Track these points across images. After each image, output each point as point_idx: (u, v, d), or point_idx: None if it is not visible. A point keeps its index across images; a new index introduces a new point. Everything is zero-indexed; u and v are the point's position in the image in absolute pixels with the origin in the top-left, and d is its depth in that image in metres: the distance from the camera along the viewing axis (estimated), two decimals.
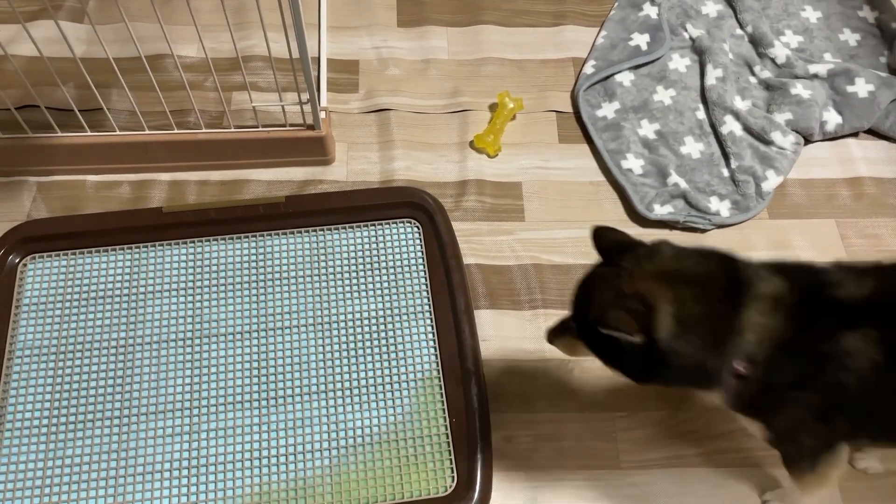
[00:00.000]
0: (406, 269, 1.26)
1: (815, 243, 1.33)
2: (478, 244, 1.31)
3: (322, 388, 1.15)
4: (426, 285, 1.24)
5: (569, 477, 1.11)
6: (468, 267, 1.29)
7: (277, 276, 1.24)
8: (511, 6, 1.60)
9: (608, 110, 1.45)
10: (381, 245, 1.28)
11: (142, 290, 1.22)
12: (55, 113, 1.29)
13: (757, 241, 1.33)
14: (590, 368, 1.20)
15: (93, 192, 1.34)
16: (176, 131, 1.30)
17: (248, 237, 1.27)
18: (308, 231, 1.29)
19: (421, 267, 1.26)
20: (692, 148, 1.42)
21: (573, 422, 1.16)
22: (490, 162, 1.41)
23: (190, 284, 1.23)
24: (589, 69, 1.49)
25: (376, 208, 1.31)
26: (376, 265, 1.26)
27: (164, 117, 1.30)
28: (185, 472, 1.08)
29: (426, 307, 1.22)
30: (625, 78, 1.49)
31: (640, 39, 1.53)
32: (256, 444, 1.10)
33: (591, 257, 1.29)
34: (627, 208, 1.36)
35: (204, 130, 1.31)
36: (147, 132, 1.29)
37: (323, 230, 1.29)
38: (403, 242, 1.29)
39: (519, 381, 1.19)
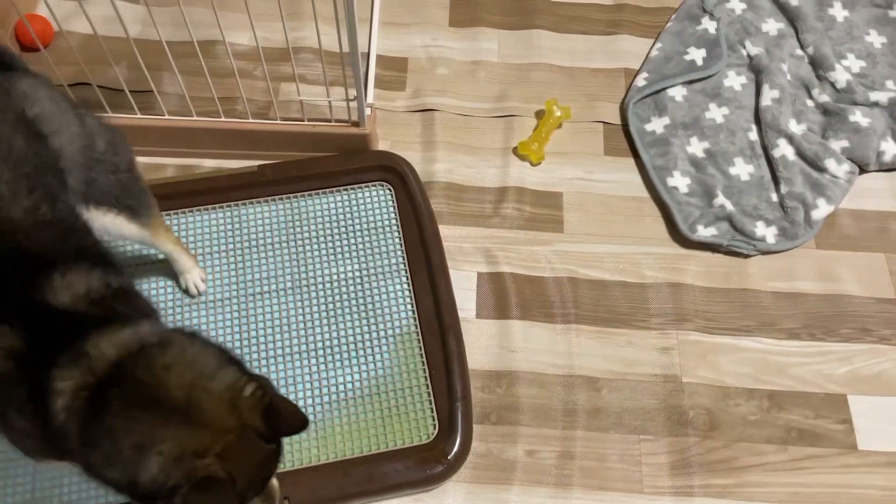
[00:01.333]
0: (380, 230, 1.29)
1: (863, 277, 1.29)
2: (514, 252, 1.30)
3: (304, 348, 1.18)
4: (400, 245, 1.28)
5: (589, 497, 1.10)
6: (501, 275, 1.27)
7: (255, 243, 1.27)
8: (565, 12, 1.58)
9: (657, 125, 1.42)
10: (356, 208, 1.32)
11: (121, 261, 1.24)
12: (106, 92, 1.30)
13: (802, 271, 1.29)
14: (619, 388, 1.18)
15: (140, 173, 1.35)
16: (223, 119, 1.31)
17: (223, 207, 1.31)
18: (283, 198, 1.32)
19: (395, 227, 1.29)
20: (741, 169, 1.38)
21: (598, 441, 1.14)
22: (532, 170, 1.39)
23: None
24: (641, 81, 1.46)
25: (349, 173, 1.34)
26: (351, 228, 1.30)
27: (213, 104, 1.31)
28: None
29: (402, 266, 1.26)
30: (677, 93, 1.46)
31: (697, 54, 1.49)
32: None
33: (630, 275, 1.28)
34: (670, 227, 1.33)
35: (251, 120, 1.31)
36: (195, 118, 1.30)
37: (297, 197, 1.32)
38: (377, 205, 1.32)
39: (545, 396, 1.17)
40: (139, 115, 1.29)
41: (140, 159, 1.36)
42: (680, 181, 1.36)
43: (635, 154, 1.41)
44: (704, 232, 1.30)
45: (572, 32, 1.55)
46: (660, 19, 1.58)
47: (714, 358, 1.22)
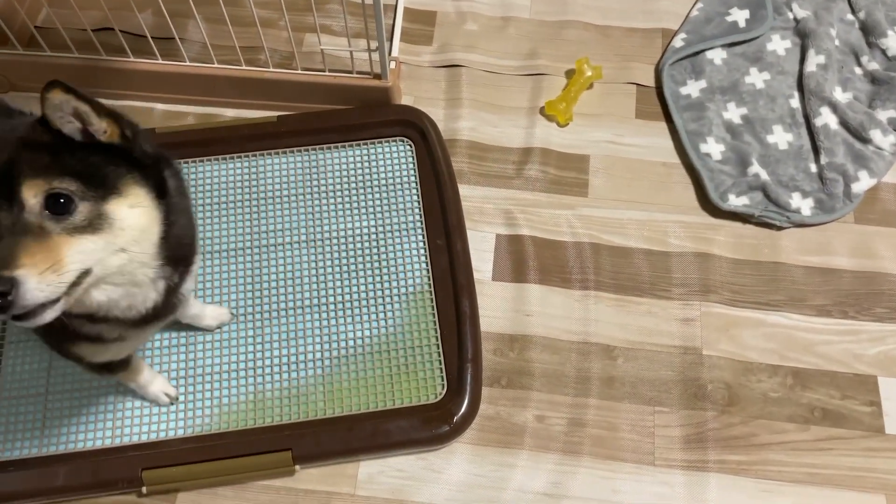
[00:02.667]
0: (398, 186, 1.26)
1: None
2: (534, 215, 1.26)
3: (315, 302, 1.17)
4: (418, 202, 1.25)
5: (598, 466, 1.07)
6: (520, 238, 1.24)
7: (271, 195, 1.25)
8: None
9: (693, 88, 1.36)
10: (374, 163, 1.28)
11: None
12: (130, 38, 1.29)
13: (837, 246, 1.23)
14: (635, 358, 1.15)
15: (160, 120, 1.35)
16: (244, 68, 1.28)
17: (241, 157, 1.28)
18: (301, 150, 1.29)
19: (413, 184, 1.26)
20: (780, 138, 1.31)
21: (610, 411, 1.11)
22: (559, 131, 1.34)
23: None
24: (678, 42, 1.40)
25: (369, 127, 1.31)
26: (369, 183, 1.27)
27: (234, 53, 1.29)
28: (182, 381, 1.11)
29: (418, 224, 1.23)
30: (716, 55, 1.39)
31: (739, 15, 1.42)
32: (251, 354, 1.13)
33: (655, 243, 1.23)
34: (700, 195, 1.28)
35: (271, 70, 1.29)
36: (216, 66, 1.28)
37: (315, 149, 1.29)
38: (396, 160, 1.29)
39: (558, 362, 1.14)
40: (161, 61, 1.28)
41: (160, 106, 1.36)
42: (713, 147, 1.30)
43: (668, 118, 1.35)
44: (736, 201, 1.25)
45: None
46: None
47: (738, 332, 1.17)
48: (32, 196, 0.64)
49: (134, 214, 0.69)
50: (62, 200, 0.64)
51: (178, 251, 0.77)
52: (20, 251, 0.62)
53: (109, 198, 0.67)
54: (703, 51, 1.39)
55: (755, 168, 1.27)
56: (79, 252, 0.65)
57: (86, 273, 0.67)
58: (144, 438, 1.07)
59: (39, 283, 0.62)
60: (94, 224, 0.66)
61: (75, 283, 0.66)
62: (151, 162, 0.73)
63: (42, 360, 1.12)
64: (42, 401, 1.09)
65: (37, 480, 1.03)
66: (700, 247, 1.23)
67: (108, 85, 1.32)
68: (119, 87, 1.33)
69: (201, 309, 1.11)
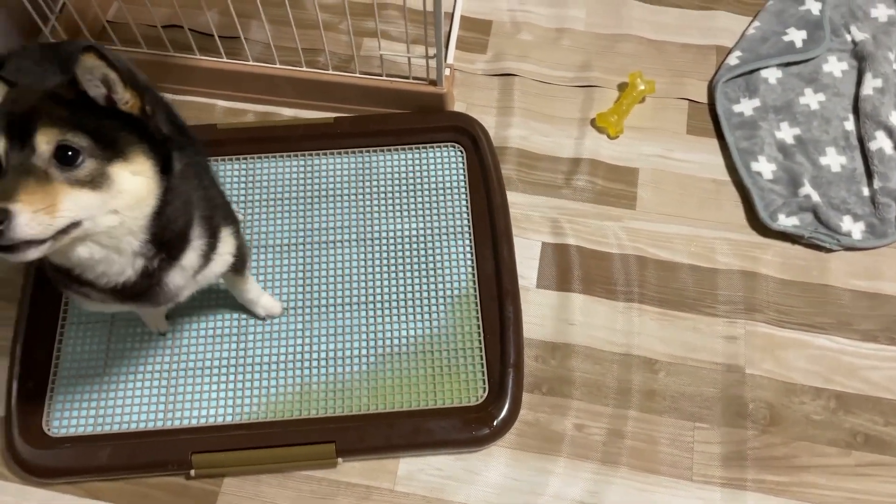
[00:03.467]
0: (448, 191, 1.29)
1: None
2: (581, 225, 1.27)
3: (363, 299, 1.20)
4: (467, 207, 1.27)
5: (635, 477, 1.08)
6: (566, 247, 1.25)
7: (324, 193, 1.29)
8: None
9: (746, 106, 1.36)
10: (426, 167, 1.31)
11: None
12: (196, 36, 1.34)
13: (888, 272, 1.22)
14: (677, 372, 1.15)
15: (221, 117, 1.39)
16: (304, 69, 1.32)
17: (297, 155, 1.32)
18: (355, 151, 1.32)
19: (463, 190, 1.29)
20: (833, 160, 1.31)
21: (650, 424, 1.11)
22: (609, 143, 1.35)
23: (241, 198, 1.28)
24: (733, 60, 1.40)
25: (422, 131, 1.34)
26: (419, 186, 1.29)
27: (295, 54, 1.33)
28: (231, 370, 1.15)
29: (466, 228, 1.25)
30: (771, 75, 1.39)
31: (796, 35, 1.41)
32: (300, 347, 1.16)
33: (702, 259, 1.23)
34: (749, 213, 1.28)
35: (330, 72, 1.32)
36: (277, 66, 1.32)
37: (369, 151, 1.33)
38: (447, 165, 1.31)
39: (600, 372, 1.15)
40: (225, 60, 1.32)
41: (222, 103, 1.40)
42: (765, 167, 1.30)
43: (719, 135, 1.35)
44: (786, 221, 1.24)
45: (665, 5, 1.49)
46: None
47: (782, 352, 1.16)
48: (45, 143, 0.68)
49: (135, 182, 0.73)
50: (70, 153, 0.68)
51: (165, 233, 0.79)
52: (21, 188, 0.65)
53: (115, 160, 0.71)
54: (758, 69, 1.39)
55: (806, 189, 1.26)
56: (74, 202, 0.68)
57: (76, 224, 0.70)
58: (195, 423, 1.11)
59: (31, 220, 0.65)
60: (96, 181, 0.70)
61: (64, 231, 0.69)
62: (162, 139, 0.76)
63: (101, 342, 1.16)
64: (98, 381, 1.14)
65: (90, 457, 1.07)
66: (747, 265, 1.23)
67: (174, 80, 1.37)
68: (184, 83, 1.37)
69: (258, 296, 1.15)
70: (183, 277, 0.85)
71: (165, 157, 0.76)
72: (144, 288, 0.82)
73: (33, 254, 0.67)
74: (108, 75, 0.71)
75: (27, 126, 0.68)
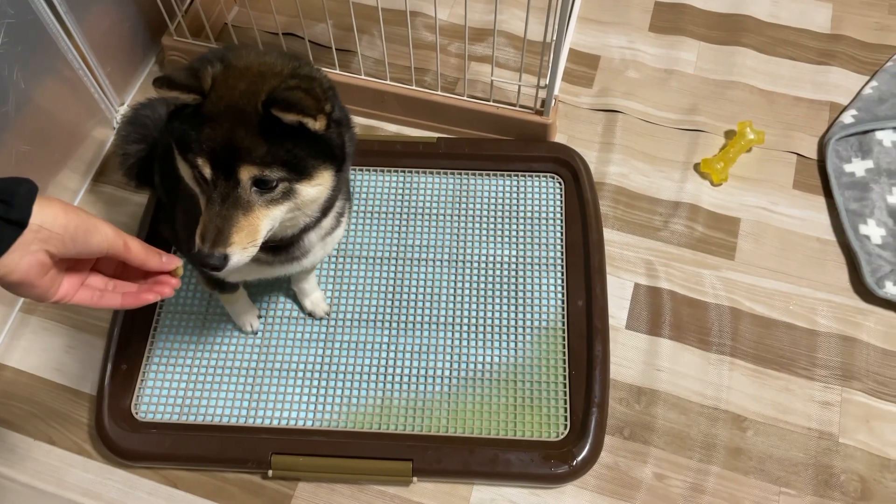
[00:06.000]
0: (544, 221, 1.29)
1: None
2: (676, 270, 1.25)
3: (449, 321, 1.20)
4: (562, 240, 1.26)
5: None
6: (660, 290, 1.23)
7: (421, 211, 1.30)
8: (776, 34, 1.50)
9: (858, 167, 1.32)
10: (523, 195, 1.31)
11: None
12: (312, 46, 1.37)
13: None
14: (766, 433, 1.11)
15: None
16: (413, 87, 1.34)
17: (398, 171, 1.34)
18: (454, 173, 1.34)
19: (559, 221, 1.28)
20: None
21: (734, 482, 1.08)
22: (711, 189, 1.33)
23: None
24: (848, 118, 1.36)
25: (523, 160, 1.34)
26: (515, 214, 1.30)
27: (405, 72, 1.35)
28: (315, 375, 1.16)
29: (559, 261, 1.25)
30: (886, 137, 1.34)
31: None
32: (384, 361, 1.17)
33: (800, 318, 1.20)
34: (854, 277, 1.23)
35: (439, 93, 1.34)
36: (388, 82, 1.35)
37: (468, 174, 1.34)
38: (545, 196, 1.31)
39: (685, 423, 1.12)
40: (338, 71, 1.35)
41: None
42: (874, 230, 1.26)
43: (828, 194, 1.31)
44: (893, 289, 1.20)
45: (780, 56, 1.47)
46: (879, 56, 1.46)
47: (879, 424, 1.12)
48: (247, 178, 0.75)
49: (315, 190, 0.80)
50: (266, 181, 0.75)
51: (326, 209, 0.88)
52: (233, 229, 0.75)
53: (302, 179, 0.78)
54: (872, 130, 1.35)
55: None
56: (270, 220, 0.78)
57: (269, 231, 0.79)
58: (276, 423, 1.12)
59: (241, 256, 0.76)
60: (285, 196, 0.77)
61: None
62: (341, 148, 0.81)
63: (193, 332, 1.19)
64: (188, 372, 1.16)
65: (173, 445, 1.10)
66: (848, 330, 1.19)
67: None
68: None
69: (312, 289, 1.19)
70: (318, 236, 0.92)
71: (341, 161, 0.81)
72: (292, 246, 0.91)
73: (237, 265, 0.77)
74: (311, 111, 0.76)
75: (231, 162, 0.74)
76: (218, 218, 0.75)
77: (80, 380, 1.17)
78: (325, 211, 0.88)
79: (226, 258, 0.75)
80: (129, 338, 1.18)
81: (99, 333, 1.20)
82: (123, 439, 1.10)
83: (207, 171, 0.75)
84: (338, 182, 0.83)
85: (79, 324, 1.22)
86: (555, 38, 1.15)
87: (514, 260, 1.25)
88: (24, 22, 1.13)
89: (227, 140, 0.74)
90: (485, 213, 1.30)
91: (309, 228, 0.89)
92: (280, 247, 0.90)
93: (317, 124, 0.75)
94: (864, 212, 1.27)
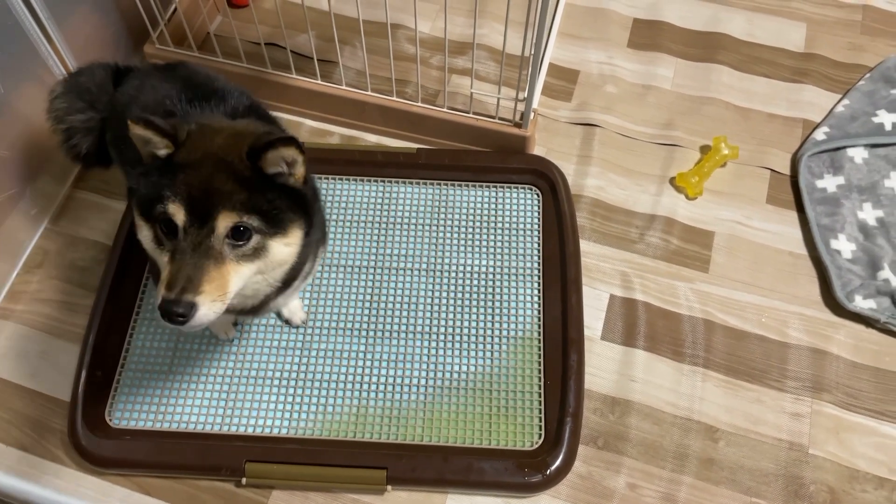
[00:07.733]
0: (522, 232, 1.30)
1: None
2: (651, 282, 1.27)
3: (426, 329, 1.20)
4: (538, 251, 1.27)
5: None
6: (635, 302, 1.25)
7: (399, 221, 1.31)
8: (752, 52, 1.52)
9: (830, 183, 1.35)
10: (501, 206, 1.33)
11: None
12: (295, 56, 1.38)
13: None
14: (738, 444, 1.13)
15: (307, 135, 1.43)
16: (394, 98, 1.35)
17: (377, 181, 1.35)
18: (433, 183, 1.35)
19: (536, 233, 1.29)
20: None
21: (705, 493, 1.09)
22: (687, 203, 1.35)
23: None
24: (820, 135, 1.39)
25: (501, 171, 1.35)
26: (493, 225, 1.31)
27: (387, 83, 1.36)
28: (291, 383, 1.16)
29: (536, 272, 1.25)
30: (857, 154, 1.37)
31: (886, 118, 1.40)
32: (360, 369, 1.17)
33: (772, 331, 1.21)
34: (824, 291, 1.26)
35: (419, 104, 1.35)
36: (368, 93, 1.36)
37: (447, 184, 1.34)
38: (523, 207, 1.32)
39: (657, 434, 1.14)
40: (319, 82, 1.36)
41: (310, 122, 1.44)
42: (844, 245, 1.28)
43: (800, 208, 1.34)
44: (862, 303, 1.22)
45: (755, 74, 1.50)
46: (851, 76, 1.49)
47: (848, 436, 1.13)
48: (224, 226, 0.74)
49: (285, 251, 0.79)
50: (242, 230, 0.74)
51: (291, 275, 0.86)
52: (203, 277, 0.72)
53: (276, 235, 0.77)
54: (844, 147, 1.38)
55: (886, 273, 1.24)
56: (239, 277, 0.76)
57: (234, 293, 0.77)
58: (251, 431, 1.12)
59: (209, 309, 0.73)
60: (255, 253, 0.76)
61: None
62: (311, 206, 0.81)
63: (170, 339, 1.19)
64: (163, 379, 1.16)
65: (147, 452, 1.09)
66: (818, 343, 1.21)
67: (267, 96, 1.41)
68: (276, 100, 1.42)
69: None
70: (285, 297, 0.91)
71: (308, 218, 0.81)
72: (261, 307, 0.89)
73: (202, 323, 0.74)
74: (297, 160, 0.76)
75: (208, 207, 0.73)
76: (188, 266, 0.72)
77: (54, 386, 1.17)
78: (287, 282, 0.86)
79: (193, 307, 0.72)
80: (105, 344, 1.17)
81: (74, 339, 1.20)
82: (97, 446, 1.09)
83: (181, 217, 0.73)
84: (305, 247, 0.82)
85: (54, 330, 1.21)
86: (533, 52, 1.17)
87: (491, 270, 1.26)
88: (5, 27, 1.13)
89: (205, 184, 0.73)
90: (463, 223, 1.31)
91: (270, 299, 0.88)
92: (244, 311, 0.90)
93: (299, 171, 0.76)
94: (835, 227, 1.30)
